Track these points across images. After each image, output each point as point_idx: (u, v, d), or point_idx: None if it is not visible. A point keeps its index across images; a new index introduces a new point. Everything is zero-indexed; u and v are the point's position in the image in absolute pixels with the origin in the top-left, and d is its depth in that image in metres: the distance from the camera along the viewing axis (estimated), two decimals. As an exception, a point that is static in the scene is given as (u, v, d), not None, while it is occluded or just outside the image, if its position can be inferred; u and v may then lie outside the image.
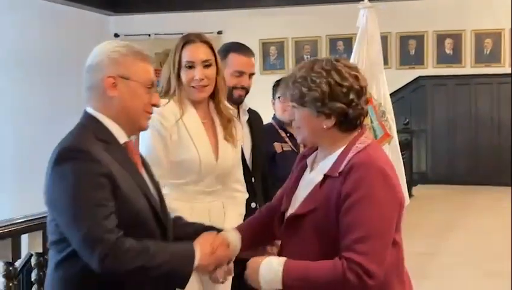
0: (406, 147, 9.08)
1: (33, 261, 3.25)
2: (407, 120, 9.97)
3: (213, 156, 2.65)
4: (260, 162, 3.13)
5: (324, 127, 1.99)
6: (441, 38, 10.78)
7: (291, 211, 2.07)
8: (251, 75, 3.04)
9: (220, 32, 11.26)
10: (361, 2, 4.59)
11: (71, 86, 10.48)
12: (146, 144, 2.56)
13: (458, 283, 5.48)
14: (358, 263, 1.84)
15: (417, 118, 10.73)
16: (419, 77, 10.88)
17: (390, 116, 4.74)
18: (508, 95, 10.36)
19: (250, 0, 11.13)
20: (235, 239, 2.19)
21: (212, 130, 2.70)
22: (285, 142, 3.67)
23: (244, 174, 2.90)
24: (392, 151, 4.77)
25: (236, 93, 3.00)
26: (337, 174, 1.94)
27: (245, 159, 3.00)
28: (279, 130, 3.75)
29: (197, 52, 2.63)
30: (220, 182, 2.71)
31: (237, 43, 3.16)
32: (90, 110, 2.00)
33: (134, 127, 2.06)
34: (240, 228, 2.27)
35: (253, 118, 3.18)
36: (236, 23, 11.03)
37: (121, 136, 2.00)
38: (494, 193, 9.65)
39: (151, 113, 2.05)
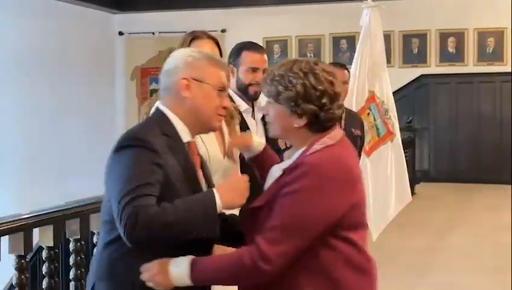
0: (408, 145, 9.12)
1: (44, 254, 3.32)
2: (410, 118, 10.00)
3: (220, 154, 2.73)
4: None
5: (295, 126, 2.04)
6: (443, 37, 10.82)
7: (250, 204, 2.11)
8: (264, 70, 3.09)
9: (223, 31, 11.27)
10: (364, 1, 4.64)
11: (75, 84, 10.63)
12: None
13: (460, 279, 5.52)
14: (259, 246, 1.90)
15: (420, 116, 10.76)
16: (422, 75, 10.92)
17: (393, 114, 4.80)
18: (510, 93, 10.40)
19: (254, -2, 11.19)
20: (259, 145, 2.39)
21: (219, 131, 2.75)
22: None
23: None
24: (395, 149, 4.83)
25: (252, 89, 3.09)
26: (290, 171, 1.99)
27: None
28: None
29: (204, 48, 2.70)
30: (225, 178, 2.78)
31: (248, 41, 3.24)
32: (161, 106, 2.11)
33: (205, 127, 2.15)
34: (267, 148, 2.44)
35: None
36: (240, 21, 11.13)
37: (185, 135, 2.09)
38: (496, 190, 9.67)
39: (222, 115, 2.15)
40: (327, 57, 11.24)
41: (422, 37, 10.92)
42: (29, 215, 3.22)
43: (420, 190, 9.60)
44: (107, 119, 11.36)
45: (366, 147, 4.52)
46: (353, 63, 4.76)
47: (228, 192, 2.00)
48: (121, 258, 1.99)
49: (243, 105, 3.10)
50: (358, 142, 4.16)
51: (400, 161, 4.95)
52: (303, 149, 2.05)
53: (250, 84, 3.08)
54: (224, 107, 2.14)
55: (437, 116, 11.01)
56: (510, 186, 9.09)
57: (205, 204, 1.93)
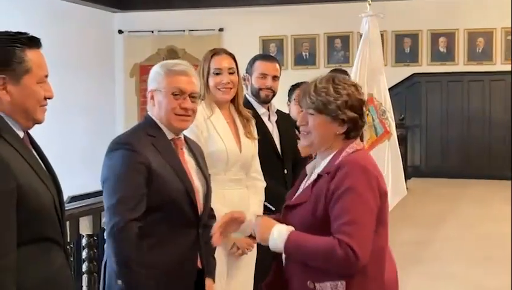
0: (401, 141, 9.14)
1: (84, 241, 3.65)
2: (403, 116, 10.11)
3: (237, 148, 3.14)
4: (290, 155, 3.59)
5: (336, 133, 2.23)
6: (435, 36, 11.02)
7: (288, 202, 2.32)
8: (274, 77, 3.57)
9: (221, 30, 11.53)
10: (364, 11, 4.95)
11: (76, 81, 10.74)
12: None
13: (449, 268, 5.77)
14: (345, 241, 2.04)
15: (412, 114, 10.91)
16: (414, 74, 11.10)
17: (390, 114, 5.08)
18: (498, 92, 10.63)
19: (251, -2, 11.35)
20: (249, 226, 2.34)
21: (234, 128, 3.19)
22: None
23: (277, 167, 3.43)
24: (392, 147, 5.12)
25: (263, 93, 3.54)
26: (327, 174, 2.18)
27: (278, 154, 3.52)
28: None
29: (223, 62, 3.15)
30: (243, 171, 3.19)
31: (263, 53, 3.72)
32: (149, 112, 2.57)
33: (171, 127, 2.52)
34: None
35: (281, 117, 3.67)
36: (237, 20, 11.31)
37: (168, 133, 2.52)
38: (484, 185, 9.88)
39: (182, 115, 2.51)
40: (322, 55, 11.44)
41: (414, 36, 11.12)
42: (71, 208, 3.57)
43: (412, 185, 9.73)
44: (107, 115, 11.47)
45: (365, 145, 4.82)
46: (353, 68, 5.05)
47: None
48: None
49: (260, 108, 3.51)
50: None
51: (396, 158, 5.24)
52: (332, 154, 2.24)
53: (260, 89, 3.53)
54: (183, 108, 2.48)
55: (428, 113, 11.19)
56: (499, 181, 9.36)
57: None
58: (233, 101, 3.22)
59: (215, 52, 3.19)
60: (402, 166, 5.37)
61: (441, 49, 11.07)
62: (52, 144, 9.87)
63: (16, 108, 1.94)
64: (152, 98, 2.51)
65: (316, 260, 2.12)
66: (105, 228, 2.47)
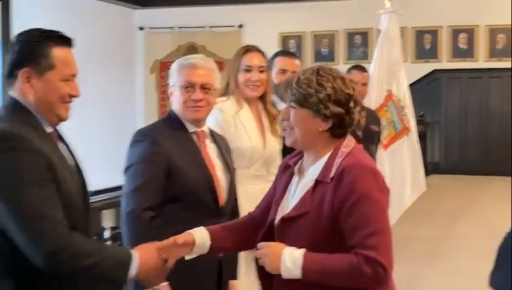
0: (420, 138, 9.21)
1: (107, 234, 3.73)
2: (422, 112, 10.04)
3: (262, 144, 3.21)
4: None
5: (319, 129, 2.03)
6: (455, 33, 10.95)
7: (280, 216, 2.09)
8: (294, 73, 3.56)
9: (240, 26, 11.52)
10: (383, 7, 4.98)
11: (97, 77, 10.82)
12: None
13: (467, 263, 5.79)
14: (372, 257, 1.88)
15: (431, 110, 10.86)
16: (434, 70, 11.04)
17: (409, 111, 5.13)
18: (519, 88, 10.56)
19: (270, -6, 11.37)
20: (204, 239, 2.19)
21: (260, 124, 3.26)
22: None
23: None
24: (410, 143, 5.17)
25: None
26: (329, 180, 1.98)
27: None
28: None
29: (254, 59, 3.22)
30: (265, 167, 3.25)
31: (284, 50, 3.78)
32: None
33: (186, 119, 2.62)
34: (212, 229, 2.24)
35: None
36: (257, 17, 11.32)
37: (189, 126, 2.62)
38: (504, 182, 9.68)
39: (194, 106, 2.60)
40: (341, 52, 11.42)
41: (434, 33, 11.04)
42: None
43: (431, 181, 9.73)
44: (127, 111, 11.53)
45: (384, 141, 4.86)
46: (372, 64, 5.10)
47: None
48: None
49: (280, 104, 3.55)
50: (376, 138, 4.53)
51: (415, 154, 5.28)
52: (327, 156, 2.05)
53: (279, 84, 3.54)
54: (193, 100, 2.57)
55: (448, 110, 11.15)
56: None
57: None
58: (262, 98, 3.29)
59: (247, 49, 3.26)
60: (421, 161, 5.40)
61: (461, 46, 11.00)
62: (73, 139, 10.06)
63: (40, 102, 1.99)
64: (171, 93, 2.63)
65: (341, 281, 1.94)
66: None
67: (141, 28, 11.96)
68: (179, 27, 11.78)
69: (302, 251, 1.96)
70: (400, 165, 5.24)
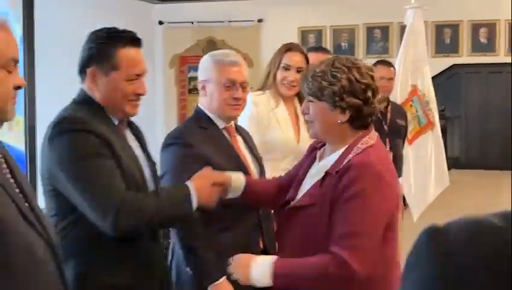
0: (441, 132, 9.27)
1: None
2: (443, 107, 9.97)
3: (295, 140, 3.26)
4: None
5: (338, 121, 2.03)
6: (475, 27, 10.90)
7: (293, 202, 2.13)
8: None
9: (260, 21, 11.52)
10: (408, 3, 4.99)
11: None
12: (243, 125, 3.15)
13: None
14: (342, 258, 1.86)
15: (451, 105, 10.83)
16: (454, 64, 11.00)
17: (434, 105, 5.15)
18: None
19: (290, -11, 11.35)
20: (239, 181, 2.35)
21: (295, 120, 3.31)
22: None
23: None
24: (435, 138, 5.18)
25: None
26: (335, 173, 1.99)
27: None
28: None
29: (294, 58, 3.27)
30: (297, 161, 3.25)
31: (317, 45, 3.81)
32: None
33: (222, 117, 2.63)
34: (247, 177, 2.41)
35: None
36: (276, 11, 11.31)
37: (220, 123, 2.63)
38: None
39: (236, 105, 2.60)
40: (361, 47, 11.39)
41: (454, 27, 11.00)
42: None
43: (451, 176, 9.69)
44: (147, 105, 11.51)
45: (409, 136, 4.89)
46: (397, 60, 5.12)
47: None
48: None
49: None
50: (402, 132, 4.55)
51: (439, 149, 5.31)
52: (344, 148, 2.05)
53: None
54: (234, 98, 2.54)
55: (468, 104, 11.12)
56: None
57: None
58: (299, 94, 3.31)
59: (289, 48, 3.30)
60: (445, 157, 5.42)
61: (482, 40, 10.95)
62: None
63: (105, 99, 2.12)
64: (203, 88, 2.60)
65: (311, 284, 1.96)
66: None
67: (160, 23, 11.98)
68: (198, 22, 11.79)
69: (272, 259, 2.00)
70: (424, 159, 5.26)
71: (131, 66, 2.10)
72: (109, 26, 2.21)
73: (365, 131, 2.06)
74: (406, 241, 4.83)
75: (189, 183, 2.15)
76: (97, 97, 2.11)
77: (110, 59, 2.08)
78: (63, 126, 2.01)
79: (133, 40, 2.13)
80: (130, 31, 2.16)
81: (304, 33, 11.61)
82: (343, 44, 11.50)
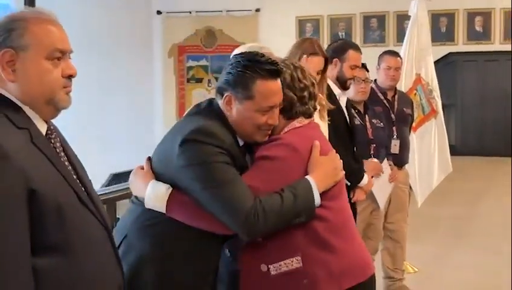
0: None
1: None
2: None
3: None
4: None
5: None
6: (471, 16, 11.00)
7: None
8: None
9: (257, 10, 11.58)
10: (413, -6, 5.11)
11: (116, 62, 10.90)
12: None
13: (489, 241, 5.98)
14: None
15: (447, 93, 10.56)
16: (450, 53, 11.09)
17: (437, 94, 5.29)
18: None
19: (287, -22, 11.38)
20: None
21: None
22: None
23: (350, 145, 3.62)
24: (438, 126, 5.32)
25: (349, 83, 3.74)
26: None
27: (351, 133, 3.72)
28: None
29: (314, 62, 3.30)
30: None
31: (354, 43, 3.90)
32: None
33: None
34: None
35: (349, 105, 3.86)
36: (274, 1, 11.38)
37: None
38: None
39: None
40: (358, 35, 11.47)
41: (450, 16, 11.09)
42: (109, 191, 3.81)
43: (448, 162, 9.91)
44: (146, 94, 11.62)
45: (413, 124, 5.02)
46: (402, 50, 5.24)
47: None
48: None
49: (336, 89, 3.70)
50: (409, 120, 4.68)
51: (442, 136, 5.44)
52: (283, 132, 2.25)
53: (349, 78, 3.73)
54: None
55: (464, 92, 11.21)
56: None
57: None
58: None
59: (312, 52, 3.31)
60: (447, 143, 5.57)
61: (477, 28, 11.05)
62: (93, 123, 10.12)
63: (236, 124, 2.16)
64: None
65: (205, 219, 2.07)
66: None
67: (159, 12, 11.99)
68: (197, 11, 11.82)
69: (168, 187, 2.10)
70: (427, 147, 5.41)
71: (265, 98, 2.11)
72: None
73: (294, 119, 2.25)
74: (411, 226, 5.00)
75: (310, 178, 2.11)
76: (230, 119, 2.15)
77: (245, 89, 2.10)
78: (195, 136, 2.05)
79: (271, 72, 2.11)
80: (272, 62, 2.12)
81: (301, 22, 11.67)
82: (340, 33, 11.58)
